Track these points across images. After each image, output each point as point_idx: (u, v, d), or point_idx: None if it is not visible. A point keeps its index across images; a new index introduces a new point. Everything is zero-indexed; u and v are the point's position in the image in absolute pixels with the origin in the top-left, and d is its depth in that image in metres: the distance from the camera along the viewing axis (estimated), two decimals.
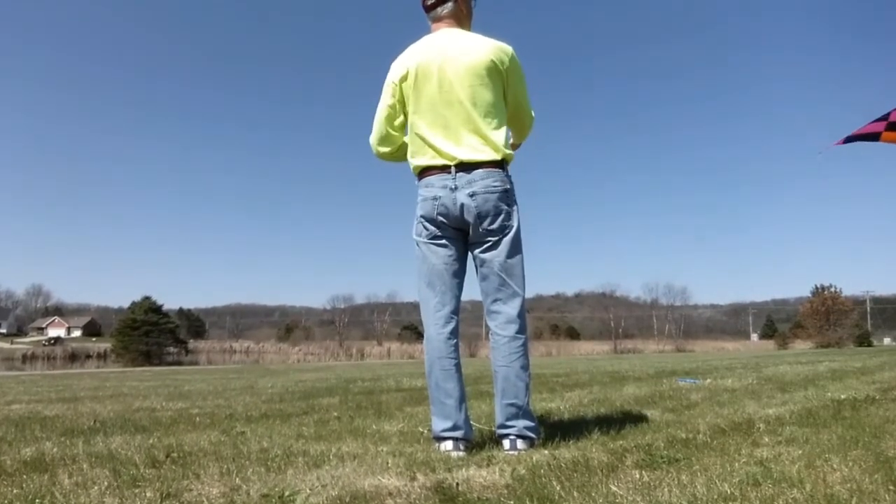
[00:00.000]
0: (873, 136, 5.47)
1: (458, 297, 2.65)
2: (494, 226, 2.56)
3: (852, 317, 49.59)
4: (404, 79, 2.63)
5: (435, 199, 2.57)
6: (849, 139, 5.55)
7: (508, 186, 2.59)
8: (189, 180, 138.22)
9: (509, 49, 2.65)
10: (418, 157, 2.64)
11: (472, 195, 2.53)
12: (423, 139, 2.61)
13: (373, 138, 2.81)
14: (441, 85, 2.57)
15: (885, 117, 5.31)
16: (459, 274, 2.66)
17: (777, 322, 78.14)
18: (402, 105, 2.69)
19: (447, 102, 2.57)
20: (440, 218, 2.58)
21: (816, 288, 52.88)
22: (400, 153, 2.80)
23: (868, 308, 64.45)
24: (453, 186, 2.54)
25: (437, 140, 2.58)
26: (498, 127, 2.60)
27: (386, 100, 2.71)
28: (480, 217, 2.54)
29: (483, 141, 2.56)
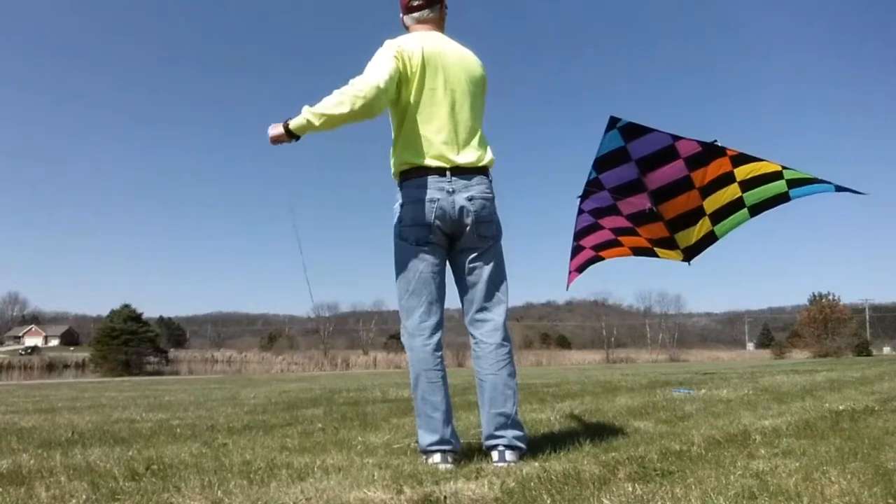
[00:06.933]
0: (594, 259, 5.56)
1: (443, 307, 2.60)
2: (489, 232, 2.57)
3: (851, 325, 49.02)
4: (411, 55, 2.50)
5: (431, 201, 2.48)
6: (580, 269, 5.60)
7: (494, 195, 2.61)
8: (169, 186, 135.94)
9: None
10: (410, 156, 2.53)
11: (470, 199, 2.50)
12: (422, 137, 2.51)
13: (370, 80, 2.39)
14: (446, 84, 2.55)
15: (578, 243, 5.34)
16: (443, 284, 2.61)
17: (773, 331, 77.53)
18: (400, 77, 2.49)
19: (450, 103, 2.54)
20: (437, 221, 2.50)
21: (814, 296, 52.25)
22: (373, 110, 2.41)
23: (867, 316, 63.90)
24: (451, 189, 2.49)
25: (437, 141, 2.51)
26: (483, 136, 2.63)
27: (390, 62, 2.45)
28: (478, 221, 2.52)
29: (479, 146, 2.58)
